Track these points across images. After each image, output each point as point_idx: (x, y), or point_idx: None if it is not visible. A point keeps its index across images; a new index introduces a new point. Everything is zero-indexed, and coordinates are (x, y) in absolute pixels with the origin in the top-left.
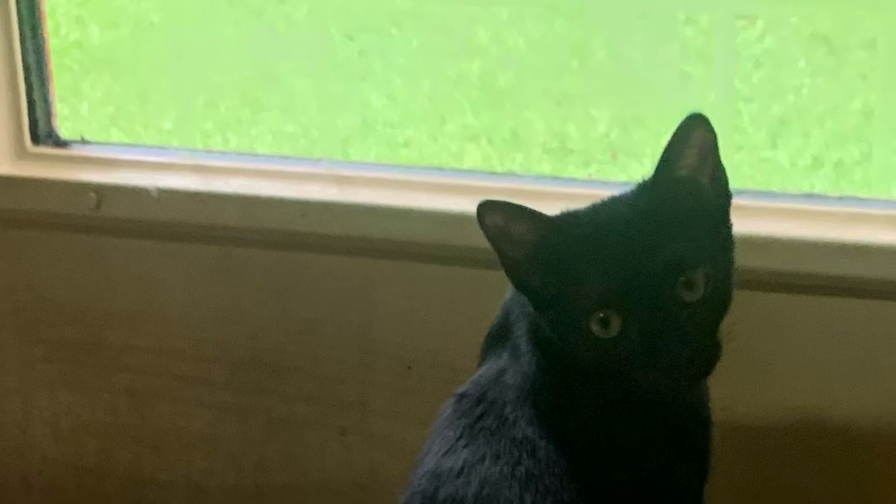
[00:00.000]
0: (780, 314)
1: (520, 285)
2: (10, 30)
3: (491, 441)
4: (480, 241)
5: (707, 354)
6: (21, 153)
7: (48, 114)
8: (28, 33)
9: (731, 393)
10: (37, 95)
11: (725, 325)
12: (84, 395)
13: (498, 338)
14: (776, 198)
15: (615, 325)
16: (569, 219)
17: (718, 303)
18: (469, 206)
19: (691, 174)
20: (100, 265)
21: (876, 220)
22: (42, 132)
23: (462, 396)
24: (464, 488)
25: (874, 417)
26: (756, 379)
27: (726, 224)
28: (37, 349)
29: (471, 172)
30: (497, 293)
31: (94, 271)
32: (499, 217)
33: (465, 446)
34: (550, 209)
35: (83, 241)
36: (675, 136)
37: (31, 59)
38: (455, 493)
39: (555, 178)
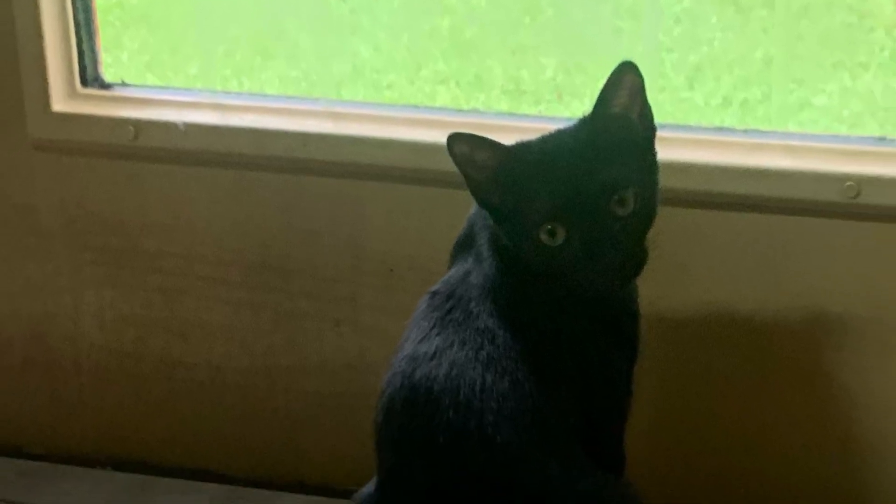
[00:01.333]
0: (695, 226)
1: (482, 203)
2: None
3: (458, 330)
4: (450, 166)
5: (636, 259)
6: (72, 94)
7: (94, 61)
8: None
9: (656, 291)
10: (85, 47)
11: (651, 235)
12: (124, 293)
13: (464, 246)
14: (692, 131)
15: (560, 234)
16: (522, 148)
17: (645, 217)
18: (440, 137)
19: (623, 111)
20: (137, 186)
21: (774, 149)
22: (90, 77)
23: (435, 294)
24: (436, 369)
25: (773, 311)
26: (676, 280)
27: (652, 152)
28: (85, 255)
29: (441, 110)
30: (463, 209)
31: (132, 191)
32: (465, 146)
33: (437, 335)
34: (507, 140)
35: (123, 167)
36: (609, 79)
37: (81, 16)
38: (429, 373)
39: (510, 115)
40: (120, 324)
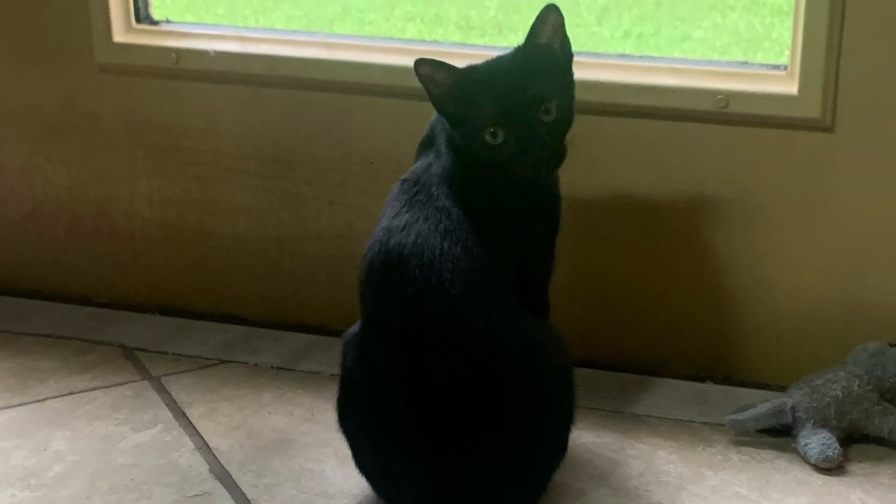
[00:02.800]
0: (602, 130)
1: (441, 111)
2: None
3: (422, 208)
4: (416, 83)
5: (558, 155)
6: (129, 29)
7: (146, 4)
8: None
9: (572, 179)
10: None
11: (569, 136)
12: (168, 180)
13: (427, 144)
14: (600, 57)
15: (500, 135)
16: (471, 70)
17: (565, 122)
18: (409, 62)
19: (548, 42)
20: (178, 99)
21: (662, 71)
22: (142, 15)
23: (404, 181)
24: (406, 238)
25: (662, 194)
26: (588, 171)
27: (570, 73)
28: (138, 152)
29: (410, 41)
30: (426, 117)
31: (175, 103)
32: (427, 69)
33: (407, 212)
34: (460, 63)
35: (167, 84)
36: (537, 18)
37: None
38: (400, 241)
39: (462, 45)
40: (165, 204)
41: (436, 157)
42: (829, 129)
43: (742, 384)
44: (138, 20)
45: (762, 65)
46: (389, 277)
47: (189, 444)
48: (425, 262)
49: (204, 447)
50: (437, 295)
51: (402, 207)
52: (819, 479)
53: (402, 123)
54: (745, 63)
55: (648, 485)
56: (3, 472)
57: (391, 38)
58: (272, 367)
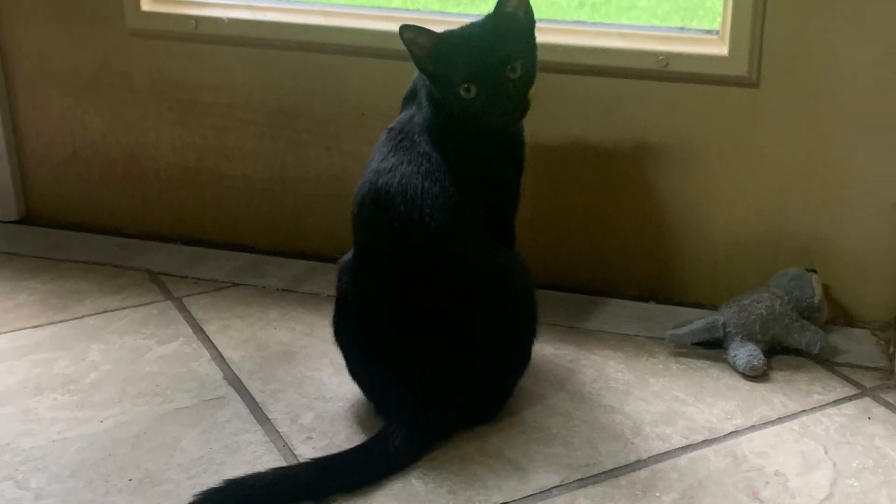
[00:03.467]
0: (561, 86)
1: (422, 70)
2: None
3: (406, 153)
4: (401, 46)
5: (522, 107)
6: None
7: None
8: None
9: (535, 128)
10: None
11: (533, 91)
12: (188, 129)
13: (410, 98)
14: (559, 23)
15: (473, 91)
16: (448, 34)
17: (529, 80)
18: (394, 28)
19: (514, 10)
20: (197, 60)
21: (612, 36)
22: None
23: (391, 129)
24: (392, 179)
25: (613, 141)
26: (548, 121)
27: (533, 37)
28: (163, 105)
29: (395, 9)
30: (409, 74)
31: (194, 63)
32: (411, 33)
33: (393, 156)
34: (438, 28)
35: (188, 47)
36: None
37: None
38: (387, 181)
39: (440, 12)
40: (186, 149)
41: (417, 109)
42: (754, 85)
43: (680, 304)
44: None
45: (697, 30)
46: (378, 212)
47: (206, 354)
48: (409, 199)
49: (219, 358)
50: (419, 227)
51: (389, 152)
52: (746, 385)
53: (389, 80)
54: (682, 28)
55: (600, 390)
56: (46, 380)
57: (379, 7)
58: (277, 289)
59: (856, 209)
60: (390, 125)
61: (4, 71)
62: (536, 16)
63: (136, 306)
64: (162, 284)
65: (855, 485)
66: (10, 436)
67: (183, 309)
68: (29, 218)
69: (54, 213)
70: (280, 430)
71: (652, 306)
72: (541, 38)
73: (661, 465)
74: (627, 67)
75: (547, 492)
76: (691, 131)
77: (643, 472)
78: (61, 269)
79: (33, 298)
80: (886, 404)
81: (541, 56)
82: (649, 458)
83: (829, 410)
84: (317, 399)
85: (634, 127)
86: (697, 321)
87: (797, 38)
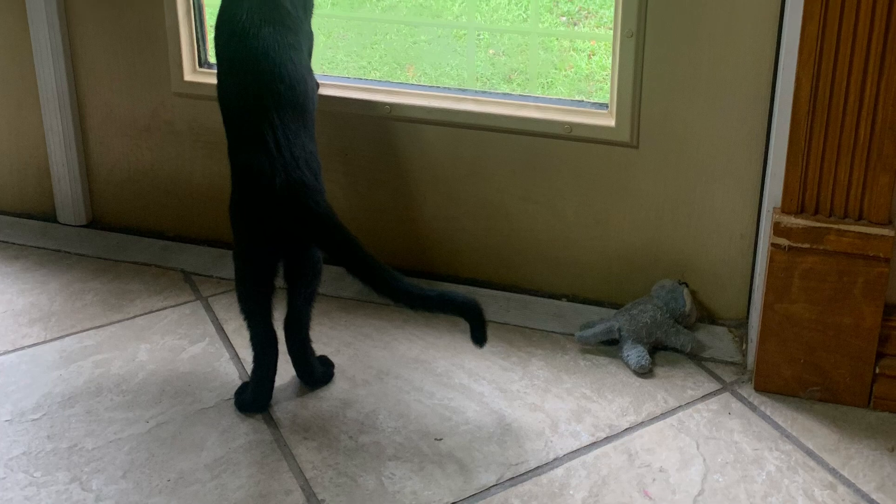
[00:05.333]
0: (491, 143)
1: None
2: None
3: None
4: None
5: None
6: (194, 71)
7: (205, 53)
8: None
9: (472, 179)
10: (200, 47)
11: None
12: (216, 162)
13: None
14: (490, 95)
15: None
16: None
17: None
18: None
19: None
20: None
21: (530, 108)
22: (202, 61)
23: None
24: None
25: (532, 185)
26: (479, 170)
27: None
28: (197, 143)
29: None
30: None
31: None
32: None
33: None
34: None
35: (216, 104)
36: None
37: (197, 30)
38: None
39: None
40: (214, 177)
41: None
42: (635, 147)
43: (585, 302)
44: (200, 65)
45: (593, 103)
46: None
47: (226, 354)
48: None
49: (235, 357)
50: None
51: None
52: (637, 382)
53: None
54: (581, 102)
55: (526, 388)
56: (105, 380)
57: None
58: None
59: (712, 236)
60: None
61: (81, 118)
62: (471, 88)
63: (174, 306)
64: (193, 284)
65: (720, 480)
66: (78, 436)
67: (209, 308)
68: (94, 222)
69: (114, 219)
70: (281, 429)
71: (564, 303)
72: (477, 107)
73: (573, 463)
74: (542, 132)
75: (486, 491)
76: (590, 179)
77: (559, 471)
78: (118, 269)
79: (97, 299)
80: (742, 399)
81: (476, 121)
82: (564, 455)
83: (699, 405)
84: (311, 398)
85: (548, 175)
86: (598, 325)
87: (666, 113)
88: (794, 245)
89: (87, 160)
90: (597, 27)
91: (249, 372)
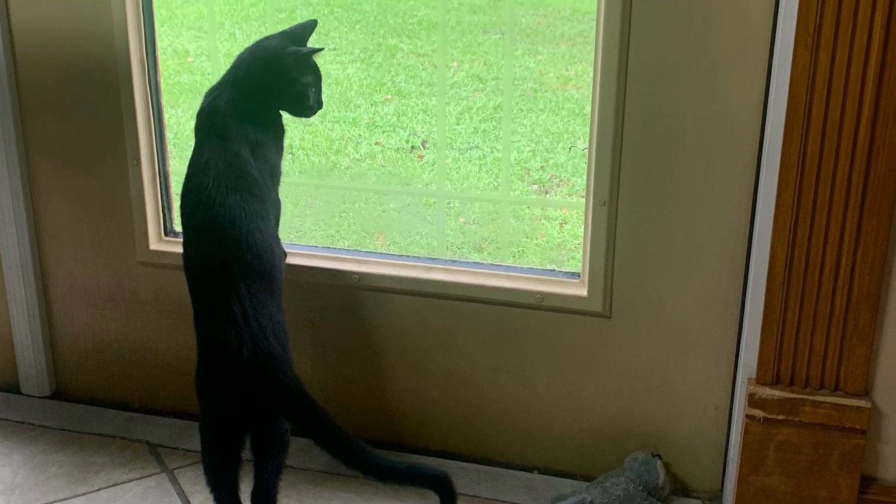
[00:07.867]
0: (462, 313)
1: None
2: None
3: None
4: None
5: None
6: (159, 240)
7: (171, 222)
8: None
9: (443, 347)
10: (166, 217)
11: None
12: (181, 332)
13: None
14: (460, 265)
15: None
16: None
17: None
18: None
19: None
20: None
21: (501, 277)
22: (167, 230)
23: None
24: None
25: (503, 354)
26: (449, 338)
27: None
28: (163, 314)
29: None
30: None
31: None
32: None
33: None
34: None
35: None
36: None
37: (164, 202)
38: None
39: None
40: (179, 346)
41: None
42: (608, 317)
43: (557, 475)
44: (166, 234)
45: (565, 273)
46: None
47: None
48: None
49: None
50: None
51: None
52: None
53: None
54: (553, 271)
55: None
56: None
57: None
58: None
59: (686, 407)
60: None
61: (45, 288)
62: (445, 257)
63: (139, 479)
64: (159, 456)
65: None
66: None
67: (174, 481)
68: (58, 393)
69: (78, 390)
70: None
71: (536, 476)
72: (447, 276)
73: None
74: (513, 302)
75: None
76: (562, 349)
77: None
78: (83, 441)
79: (61, 471)
80: None
81: (446, 291)
82: None
83: None
84: None
85: (520, 347)
86: (571, 497)
87: (639, 282)
88: (769, 417)
89: (50, 330)
90: (569, 195)
91: None
